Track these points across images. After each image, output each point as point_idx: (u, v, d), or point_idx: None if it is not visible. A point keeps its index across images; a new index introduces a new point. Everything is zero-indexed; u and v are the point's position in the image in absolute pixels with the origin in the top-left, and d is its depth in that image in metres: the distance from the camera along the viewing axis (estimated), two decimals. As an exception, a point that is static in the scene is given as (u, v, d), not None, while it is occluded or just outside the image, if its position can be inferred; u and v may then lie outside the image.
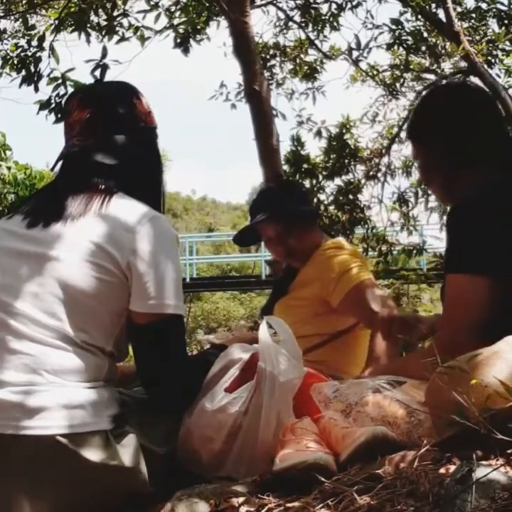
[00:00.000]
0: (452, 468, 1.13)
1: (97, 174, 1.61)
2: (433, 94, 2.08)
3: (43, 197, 1.66)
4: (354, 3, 6.85)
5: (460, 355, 1.30)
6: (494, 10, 6.98)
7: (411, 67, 7.54)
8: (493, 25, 7.19)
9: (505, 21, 6.81)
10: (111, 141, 1.65)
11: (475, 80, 7.06)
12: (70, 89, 5.13)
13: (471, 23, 7.38)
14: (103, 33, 5.70)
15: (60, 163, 1.69)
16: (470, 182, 1.74)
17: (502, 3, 6.85)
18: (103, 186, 1.59)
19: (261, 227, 2.66)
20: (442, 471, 1.15)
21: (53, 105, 5.14)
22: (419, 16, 6.90)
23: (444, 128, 1.80)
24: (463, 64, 7.50)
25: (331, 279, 2.48)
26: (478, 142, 1.75)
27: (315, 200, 7.12)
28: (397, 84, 7.85)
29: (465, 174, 1.76)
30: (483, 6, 7.16)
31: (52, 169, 1.73)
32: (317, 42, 7.48)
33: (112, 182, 1.60)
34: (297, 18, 7.35)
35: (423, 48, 7.02)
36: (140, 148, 1.69)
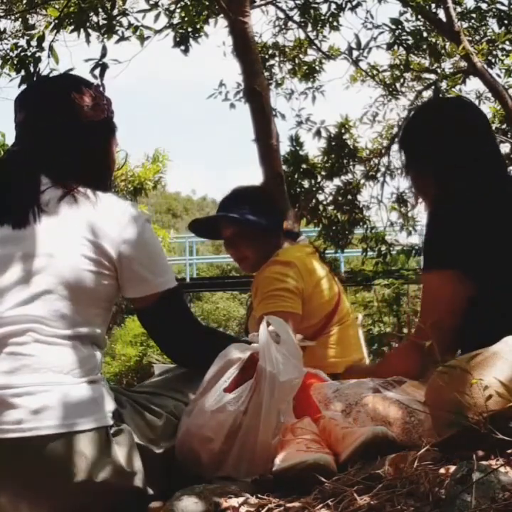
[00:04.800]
0: (452, 468, 1.13)
1: (49, 172, 1.57)
2: (411, 120, 2.13)
3: (10, 198, 1.56)
4: (354, 3, 6.82)
5: (438, 349, 1.31)
6: (494, 10, 6.96)
7: (411, 67, 7.53)
8: (493, 25, 7.19)
9: (505, 21, 6.79)
10: (48, 142, 1.61)
11: (475, 79, 7.09)
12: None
13: (471, 23, 7.36)
14: (102, 32, 5.68)
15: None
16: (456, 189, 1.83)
17: (502, 3, 6.84)
18: (60, 182, 1.55)
19: (221, 225, 2.63)
20: (442, 471, 1.15)
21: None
22: (419, 16, 6.88)
23: (425, 151, 1.89)
24: (463, 64, 7.50)
25: (258, 297, 2.46)
26: (458, 155, 1.84)
27: (314, 200, 7.13)
28: (397, 84, 7.85)
29: (452, 185, 1.83)
30: (483, 6, 7.14)
31: None
32: (317, 42, 7.47)
33: (65, 178, 1.57)
34: (297, 18, 7.33)
35: (423, 47, 7.00)
36: (81, 143, 1.63)
